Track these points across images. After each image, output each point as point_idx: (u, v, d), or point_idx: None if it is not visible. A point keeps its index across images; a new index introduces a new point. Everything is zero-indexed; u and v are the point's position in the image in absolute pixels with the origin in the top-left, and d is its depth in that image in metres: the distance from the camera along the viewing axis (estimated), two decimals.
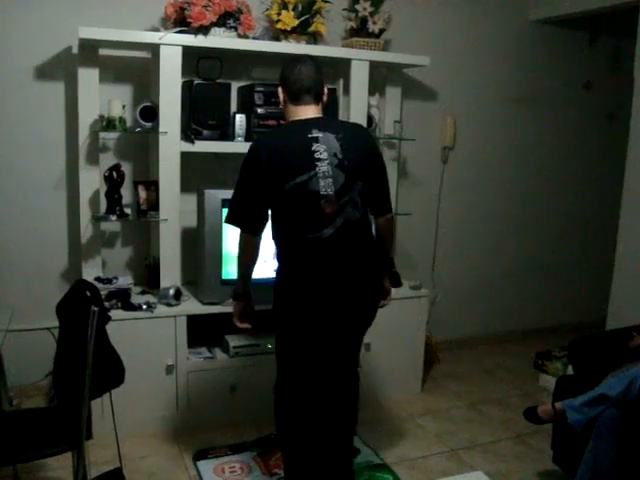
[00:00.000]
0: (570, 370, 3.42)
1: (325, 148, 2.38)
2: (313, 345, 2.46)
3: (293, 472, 2.60)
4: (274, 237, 2.50)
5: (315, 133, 2.40)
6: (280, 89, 2.54)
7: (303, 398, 2.53)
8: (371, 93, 3.87)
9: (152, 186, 3.47)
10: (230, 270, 3.43)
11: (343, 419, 2.63)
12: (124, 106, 3.35)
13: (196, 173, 3.57)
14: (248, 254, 2.55)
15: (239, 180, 2.47)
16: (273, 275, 3.50)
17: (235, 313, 2.69)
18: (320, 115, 2.53)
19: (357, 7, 3.83)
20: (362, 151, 2.49)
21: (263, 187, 2.37)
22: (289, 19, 3.54)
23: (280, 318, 2.50)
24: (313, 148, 2.37)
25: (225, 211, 3.32)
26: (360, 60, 3.72)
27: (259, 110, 3.51)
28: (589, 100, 5.08)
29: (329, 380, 2.55)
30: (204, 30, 3.32)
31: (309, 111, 2.49)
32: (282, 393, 2.59)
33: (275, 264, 2.54)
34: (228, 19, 3.38)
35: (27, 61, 3.42)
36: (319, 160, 2.36)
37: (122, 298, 3.31)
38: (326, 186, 2.36)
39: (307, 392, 2.52)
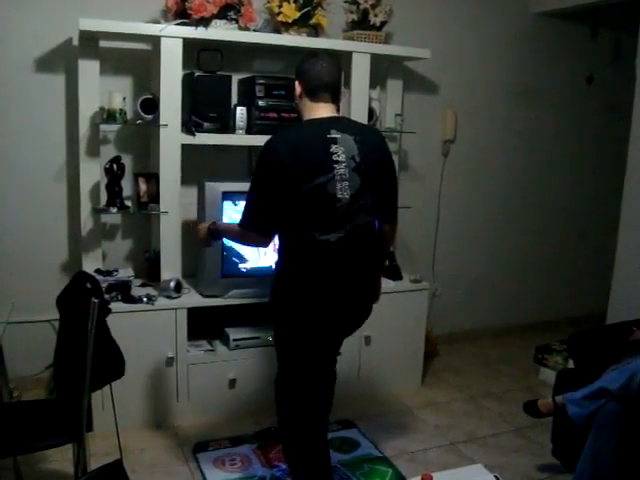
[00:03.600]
0: (570, 364, 3.43)
1: (343, 150, 2.33)
2: (311, 342, 2.46)
3: (296, 462, 2.60)
4: (280, 235, 2.44)
5: (334, 134, 2.34)
6: (297, 83, 2.46)
7: (302, 389, 2.54)
8: (372, 86, 3.85)
9: (152, 178, 3.47)
10: (230, 262, 3.44)
11: (328, 402, 2.66)
12: (124, 98, 3.34)
13: (197, 165, 3.56)
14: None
15: (255, 180, 2.35)
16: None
17: (202, 237, 2.70)
18: (337, 115, 2.48)
19: None
20: (377, 156, 2.45)
21: (280, 186, 2.28)
22: (290, 11, 3.52)
23: (280, 315, 2.49)
24: (332, 150, 2.32)
25: (226, 204, 3.35)
26: (361, 53, 3.70)
27: (260, 102, 3.51)
28: (590, 93, 5.07)
29: (323, 371, 2.58)
30: (205, 22, 3.30)
31: (327, 109, 2.43)
32: (283, 385, 2.60)
33: (276, 258, 2.52)
34: (229, 11, 3.37)
35: (27, 53, 3.41)
36: (337, 162, 2.31)
37: (122, 290, 3.31)
38: (342, 189, 2.31)
39: (305, 383, 2.53)
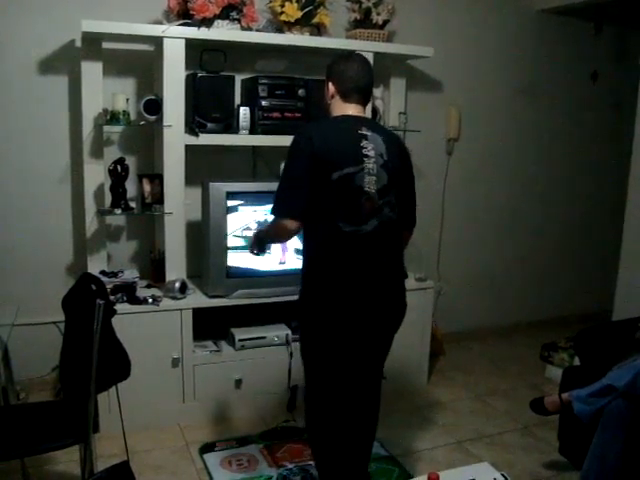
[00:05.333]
0: (576, 361, 3.42)
1: (373, 147, 2.36)
2: (339, 342, 2.40)
3: (324, 470, 2.59)
4: (306, 226, 2.39)
5: (364, 131, 2.38)
6: (330, 83, 2.49)
7: (332, 402, 2.48)
8: (375, 85, 3.83)
9: (157, 179, 3.47)
10: (235, 263, 3.44)
11: (366, 425, 2.59)
12: (128, 99, 3.34)
13: (200, 166, 3.57)
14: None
15: (288, 166, 2.38)
16: (279, 268, 3.52)
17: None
18: (366, 116, 2.54)
19: None
20: (401, 160, 2.49)
21: (311, 171, 2.30)
22: (293, 11, 3.52)
23: (306, 313, 2.44)
24: (362, 144, 2.35)
25: (230, 204, 3.35)
26: (364, 51, 3.68)
27: (263, 102, 3.51)
28: (595, 90, 5.06)
29: (355, 383, 2.51)
30: (207, 22, 3.31)
31: (356, 110, 2.47)
32: (313, 397, 2.55)
33: (302, 256, 2.48)
34: (231, 11, 3.37)
35: (30, 55, 3.42)
36: (367, 157, 2.34)
37: (128, 292, 3.32)
38: (370, 183, 2.33)
39: (335, 395, 2.47)
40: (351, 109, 2.46)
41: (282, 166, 2.44)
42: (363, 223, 2.33)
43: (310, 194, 2.31)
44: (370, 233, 2.34)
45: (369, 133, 2.39)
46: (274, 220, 2.40)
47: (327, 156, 2.30)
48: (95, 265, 3.47)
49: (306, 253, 2.45)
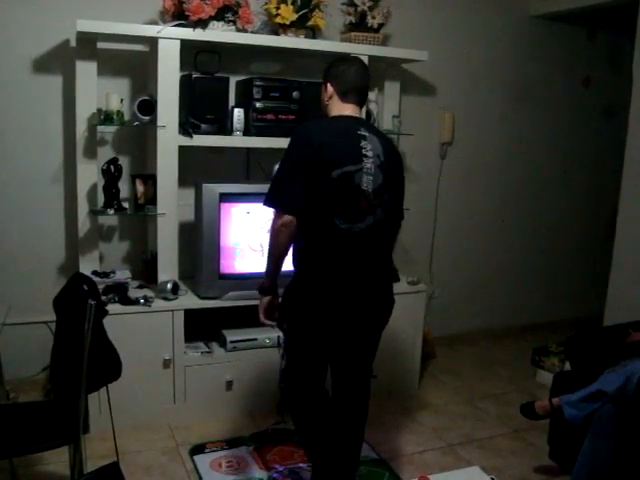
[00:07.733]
0: (567, 366, 3.43)
1: (371, 147, 2.41)
2: (327, 336, 2.44)
3: (316, 466, 2.61)
4: (300, 222, 2.38)
5: (363, 131, 2.44)
6: (329, 85, 2.53)
7: (312, 390, 2.53)
8: (370, 88, 3.84)
9: (150, 180, 3.46)
10: (227, 264, 3.44)
11: (353, 422, 2.60)
12: (122, 100, 3.33)
13: (194, 167, 3.56)
14: (285, 239, 2.38)
15: (285, 161, 2.40)
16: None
17: (261, 308, 2.54)
18: (361, 117, 2.60)
19: (356, 1, 3.81)
20: (395, 163, 2.54)
21: (311, 170, 2.33)
22: (288, 13, 3.52)
23: (296, 306, 2.46)
24: (361, 144, 2.40)
25: (223, 206, 3.35)
26: (359, 55, 3.68)
27: (257, 104, 3.51)
28: (587, 96, 5.08)
29: (343, 378, 2.55)
30: (202, 24, 3.30)
31: (354, 110, 2.52)
32: (291, 384, 2.59)
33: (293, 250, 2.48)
34: (227, 13, 3.37)
35: (25, 54, 3.41)
36: (365, 157, 2.39)
37: (119, 292, 3.31)
38: (367, 182, 2.37)
39: (315, 384, 2.52)
40: (349, 109, 2.51)
41: (276, 167, 2.45)
42: (359, 221, 2.37)
43: (306, 192, 2.34)
44: (364, 231, 2.38)
45: (367, 134, 2.44)
46: (274, 218, 2.39)
47: (327, 155, 2.33)
48: (87, 265, 3.46)
49: (299, 248, 2.45)
